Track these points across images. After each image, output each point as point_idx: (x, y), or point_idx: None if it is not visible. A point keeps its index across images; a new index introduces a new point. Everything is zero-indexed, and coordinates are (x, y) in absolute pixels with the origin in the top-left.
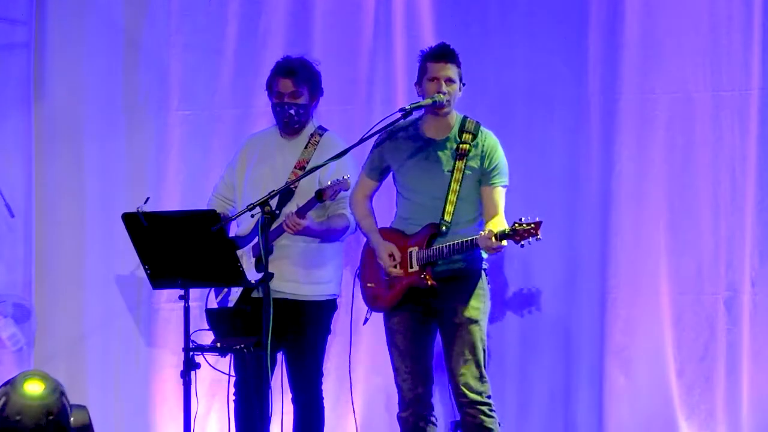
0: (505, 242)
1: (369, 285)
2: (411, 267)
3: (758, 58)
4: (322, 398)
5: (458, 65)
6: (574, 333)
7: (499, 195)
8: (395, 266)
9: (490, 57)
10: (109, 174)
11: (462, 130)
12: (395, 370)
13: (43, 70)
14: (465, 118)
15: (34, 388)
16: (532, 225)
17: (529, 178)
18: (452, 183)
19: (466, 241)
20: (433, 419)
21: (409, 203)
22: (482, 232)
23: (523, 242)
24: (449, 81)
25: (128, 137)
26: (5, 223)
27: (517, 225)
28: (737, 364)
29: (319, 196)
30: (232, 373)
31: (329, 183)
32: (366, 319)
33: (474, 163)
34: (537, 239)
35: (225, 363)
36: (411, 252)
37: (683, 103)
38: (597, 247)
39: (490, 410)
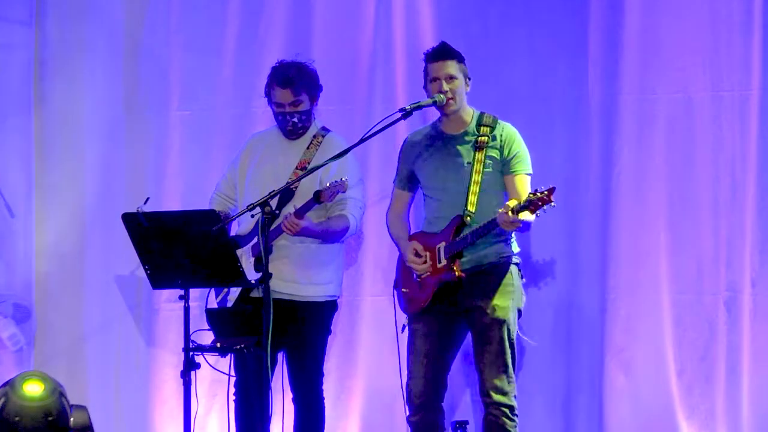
0: (523, 215)
1: (404, 290)
2: (440, 262)
3: (758, 58)
4: (323, 398)
5: (459, 60)
6: (575, 333)
7: (522, 182)
8: (424, 263)
9: (490, 57)
10: (109, 174)
11: (480, 124)
12: (409, 372)
13: (43, 70)
14: (482, 113)
15: (33, 389)
16: (545, 192)
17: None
18: (473, 174)
19: (487, 222)
20: (443, 424)
21: (433, 202)
22: (499, 210)
23: (538, 212)
24: (450, 78)
25: (128, 137)
26: (5, 223)
27: (531, 195)
28: (737, 364)
29: (317, 197)
30: (233, 373)
31: (327, 185)
32: (404, 326)
33: (494, 154)
34: (552, 206)
35: (225, 363)
36: (439, 248)
37: (683, 103)
38: (597, 247)
39: (513, 413)
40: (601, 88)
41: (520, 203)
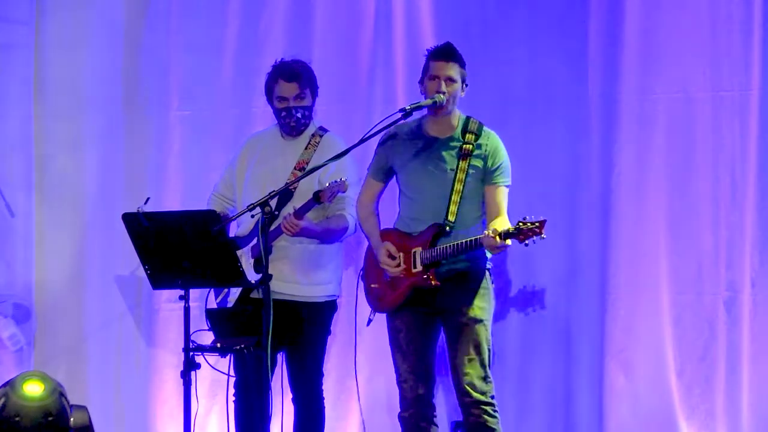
0: (509, 242)
1: (373, 286)
2: (415, 267)
3: (758, 58)
4: (323, 398)
5: (461, 65)
6: (574, 333)
7: (502, 194)
8: (397, 266)
9: (490, 57)
10: (109, 174)
11: (465, 130)
12: (397, 370)
13: (43, 70)
14: (468, 118)
15: (33, 389)
16: (537, 224)
17: (530, 178)
18: (455, 183)
19: (470, 240)
20: (434, 419)
21: (412, 203)
22: (486, 231)
23: (527, 241)
24: (449, 80)
25: (128, 137)
26: (5, 223)
27: (521, 224)
28: (737, 364)
29: (317, 197)
30: (232, 373)
31: (327, 185)
32: (369, 320)
33: (477, 163)
34: (541, 238)
35: (225, 363)
36: (415, 252)
37: (683, 103)
38: (597, 247)
39: (494, 410)
40: (601, 89)
41: (509, 230)
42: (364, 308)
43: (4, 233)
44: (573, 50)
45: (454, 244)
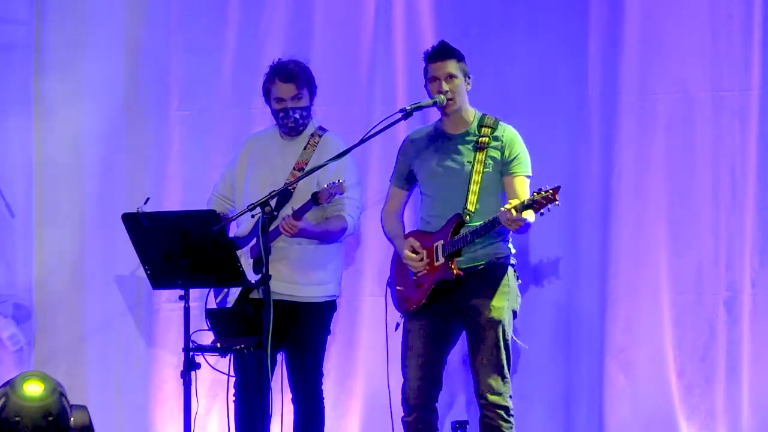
0: (527, 215)
1: (399, 288)
2: (437, 260)
3: (758, 58)
4: (323, 398)
5: (459, 59)
6: (575, 333)
7: (521, 184)
8: (420, 260)
9: (490, 57)
10: (109, 174)
11: (481, 125)
12: (405, 373)
13: (43, 70)
14: (484, 114)
15: (33, 389)
16: (550, 191)
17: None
18: (473, 174)
19: (488, 221)
20: (436, 424)
21: (431, 200)
22: (502, 208)
23: (542, 210)
24: (450, 77)
25: (128, 137)
26: (5, 223)
27: (536, 194)
28: (737, 364)
29: (315, 199)
30: (232, 373)
31: (325, 186)
32: (397, 325)
33: (495, 154)
34: (556, 205)
35: (225, 363)
36: (437, 246)
37: (683, 103)
38: (597, 247)
39: (508, 415)
40: (601, 88)
41: (523, 202)
42: (372, 311)
43: (4, 233)
44: (573, 50)
45: (473, 229)
